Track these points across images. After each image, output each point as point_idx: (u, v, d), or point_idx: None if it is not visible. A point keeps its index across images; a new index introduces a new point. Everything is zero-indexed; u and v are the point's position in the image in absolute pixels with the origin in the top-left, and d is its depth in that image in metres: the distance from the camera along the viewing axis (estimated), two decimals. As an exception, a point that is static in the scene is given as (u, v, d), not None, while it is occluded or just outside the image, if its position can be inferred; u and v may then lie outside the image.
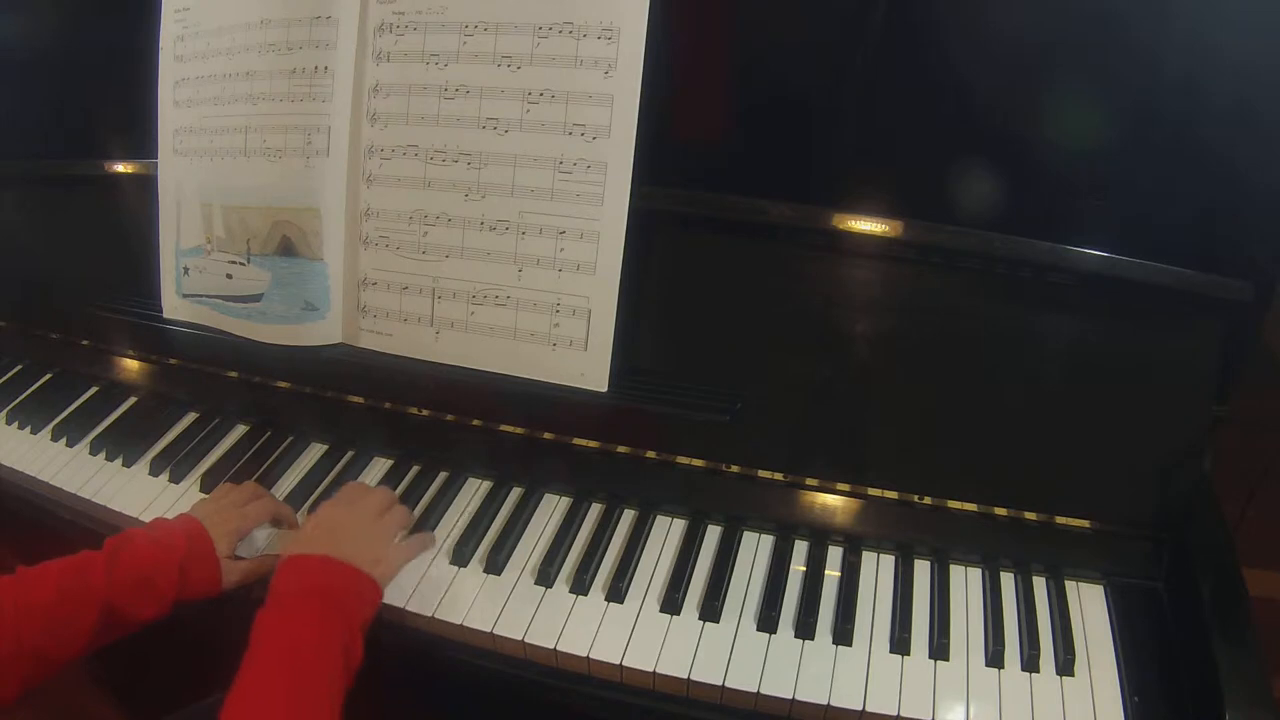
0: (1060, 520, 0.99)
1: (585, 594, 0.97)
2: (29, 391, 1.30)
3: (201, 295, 1.18)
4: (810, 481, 1.03)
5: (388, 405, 1.14)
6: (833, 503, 1.03)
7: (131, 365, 1.30)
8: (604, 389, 1.02)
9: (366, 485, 1.02)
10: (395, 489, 1.10)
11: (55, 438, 1.21)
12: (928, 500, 1.01)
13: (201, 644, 0.81)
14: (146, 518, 1.07)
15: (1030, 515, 0.99)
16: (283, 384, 1.19)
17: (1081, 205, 0.96)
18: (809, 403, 1.02)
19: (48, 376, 1.33)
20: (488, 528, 1.05)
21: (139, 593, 0.87)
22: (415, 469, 1.13)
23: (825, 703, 0.86)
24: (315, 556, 0.87)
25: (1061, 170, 0.96)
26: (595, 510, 1.07)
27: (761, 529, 1.04)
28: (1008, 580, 0.98)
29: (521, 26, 0.99)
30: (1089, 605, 0.96)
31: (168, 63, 1.16)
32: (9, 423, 1.25)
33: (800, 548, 1.02)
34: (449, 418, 1.12)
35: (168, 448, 1.18)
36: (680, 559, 1.00)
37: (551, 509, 1.07)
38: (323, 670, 0.78)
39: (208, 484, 1.12)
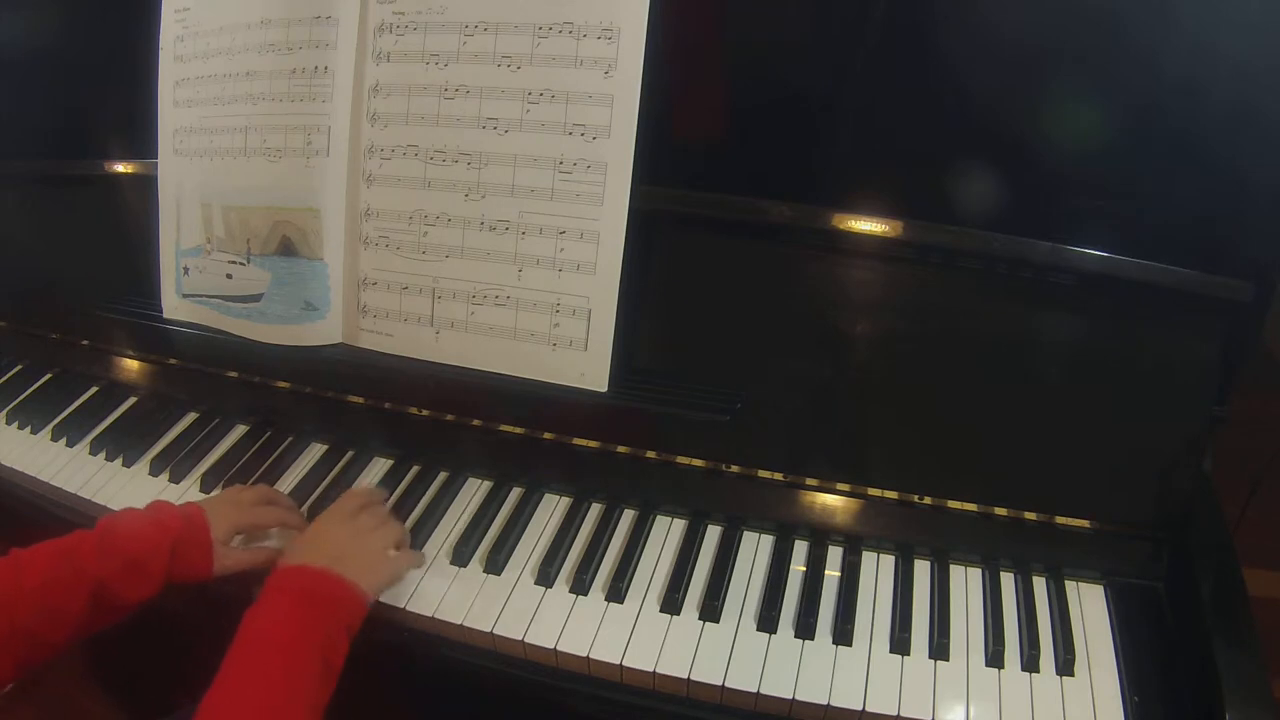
0: (1060, 520, 0.99)
1: (585, 594, 0.97)
2: (29, 391, 1.30)
3: (201, 295, 1.18)
4: (810, 481, 1.03)
5: (388, 405, 1.14)
6: (833, 503, 1.03)
7: (131, 365, 1.30)
8: (604, 389, 1.02)
9: (364, 495, 1.01)
10: (395, 489, 1.10)
11: (55, 438, 1.21)
12: (928, 500, 1.01)
13: (200, 645, 0.82)
14: (146, 518, 1.07)
15: (1030, 515, 0.99)
16: (283, 384, 1.19)
17: (1081, 205, 0.96)
18: (809, 403, 1.02)
19: (48, 376, 1.33)
20: (488, 528, 1.05)
21: (129, 573, 0.88)
22: (415, 469, 1.13)
23: (825, 703, 0.86)
24: (307, 567, 0.88)
25: (1061, 170, 0.96)
26: (595, 510, 1.07)
27: (761, 529, 1.04)
28: (1008, 580, 0.98)
29: (521, 26, 0.99)
30: (1089, 605, 0.96)
31: (168, 63, 1.16)
32: (9, 423, 1.25)
33: (800, 548, 1.02)
34: (449, 418, 1.12)
35: (168, 448, 1.18)
36: (680, 559, 1.00)
37: (551, 509, 1.07)
38: (300, 667, 0.80)
39: (208, 484, 1.12)
